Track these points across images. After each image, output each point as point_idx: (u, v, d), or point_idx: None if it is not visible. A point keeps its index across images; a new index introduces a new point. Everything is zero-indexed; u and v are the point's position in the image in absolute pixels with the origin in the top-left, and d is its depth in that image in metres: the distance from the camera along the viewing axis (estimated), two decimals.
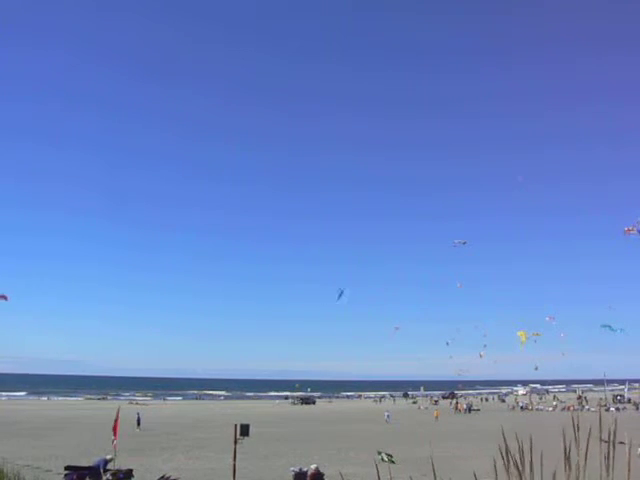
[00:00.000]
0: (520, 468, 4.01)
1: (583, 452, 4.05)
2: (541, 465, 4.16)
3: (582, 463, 3.97)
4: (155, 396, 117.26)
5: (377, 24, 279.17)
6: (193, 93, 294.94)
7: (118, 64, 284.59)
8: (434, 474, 4.12)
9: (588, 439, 4.08)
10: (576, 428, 4.23)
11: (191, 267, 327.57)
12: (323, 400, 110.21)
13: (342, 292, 47.99)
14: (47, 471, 21.67)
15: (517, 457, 4.08)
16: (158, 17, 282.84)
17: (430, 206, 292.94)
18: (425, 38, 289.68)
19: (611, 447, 4.10)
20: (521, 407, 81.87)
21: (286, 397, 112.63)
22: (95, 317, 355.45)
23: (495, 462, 4.39)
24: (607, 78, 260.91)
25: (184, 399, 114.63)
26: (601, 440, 4.25)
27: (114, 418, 24.80)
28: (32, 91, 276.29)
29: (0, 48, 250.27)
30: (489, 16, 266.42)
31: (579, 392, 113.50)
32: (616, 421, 4.55)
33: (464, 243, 58.29)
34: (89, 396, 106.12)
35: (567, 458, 3.93)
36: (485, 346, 76.37)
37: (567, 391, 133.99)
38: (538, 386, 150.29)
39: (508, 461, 4.06)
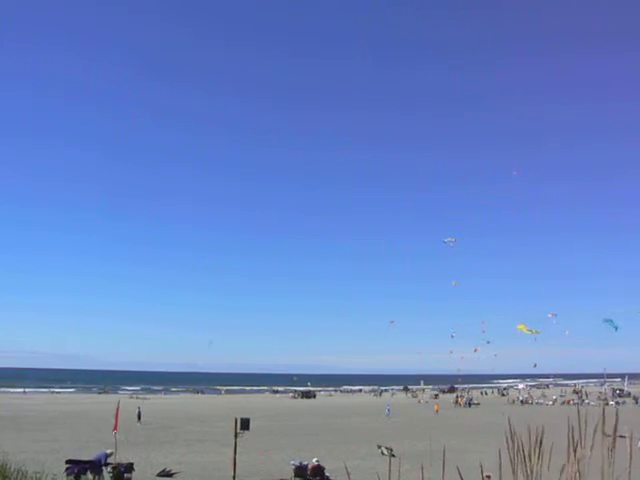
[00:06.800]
0: (527, 460, 3.99)
1: (586, 445, 4.04)
2: (549, 457, 4.16)
3: (587, 456, 3.96)
4: (156, 390, 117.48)
5: (375, 19, 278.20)
6: (194, 88, 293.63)
7: (117, 59, 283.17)
8: (443, 467, 4.11)
9: (594, 433, 4.08)
10: (578, 422, 4.21)
11: (192, 262, 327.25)
12: (323, 394, 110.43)
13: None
14: (44, 474, 21.67)
15: (524, 449, 4.07)
16: (159, 13, 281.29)
17: (431, 200, 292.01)
18: (424, 34, 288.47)
19: (613, 441, 4.09)
20: (521, 401, 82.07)
21: (275, 391, 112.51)
22: (97, 311, 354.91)
23: (500, 454, 4.38)
24: (607, 73, 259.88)
25: (185, 393, 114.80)
26: (604, 434, 4.24)
27: (115, 412, 24.92)
28: (32, 86, 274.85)
29: (1, 43, 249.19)
30: (482, 10, 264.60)
31: (578, 386, 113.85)
32: (617, 414, 4.54)
33: (454, 241, 60.22)
34: (91, 392, 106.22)
35: (574, 450, 3.92)
36: (488, 342, 76.87)
37: (568, 386, 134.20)
38: (539, 380, 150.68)
39: (515, 453, 4.05)
